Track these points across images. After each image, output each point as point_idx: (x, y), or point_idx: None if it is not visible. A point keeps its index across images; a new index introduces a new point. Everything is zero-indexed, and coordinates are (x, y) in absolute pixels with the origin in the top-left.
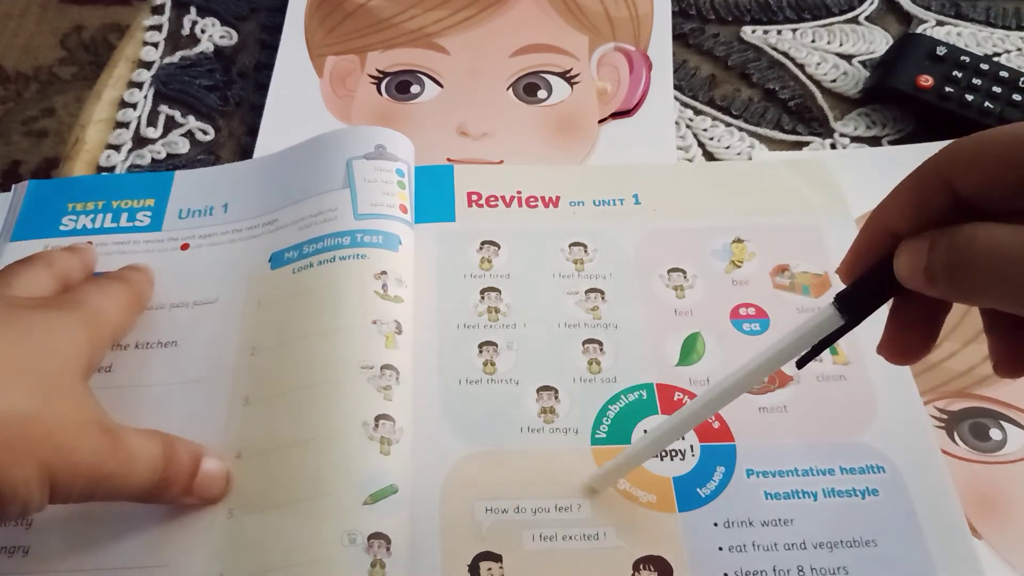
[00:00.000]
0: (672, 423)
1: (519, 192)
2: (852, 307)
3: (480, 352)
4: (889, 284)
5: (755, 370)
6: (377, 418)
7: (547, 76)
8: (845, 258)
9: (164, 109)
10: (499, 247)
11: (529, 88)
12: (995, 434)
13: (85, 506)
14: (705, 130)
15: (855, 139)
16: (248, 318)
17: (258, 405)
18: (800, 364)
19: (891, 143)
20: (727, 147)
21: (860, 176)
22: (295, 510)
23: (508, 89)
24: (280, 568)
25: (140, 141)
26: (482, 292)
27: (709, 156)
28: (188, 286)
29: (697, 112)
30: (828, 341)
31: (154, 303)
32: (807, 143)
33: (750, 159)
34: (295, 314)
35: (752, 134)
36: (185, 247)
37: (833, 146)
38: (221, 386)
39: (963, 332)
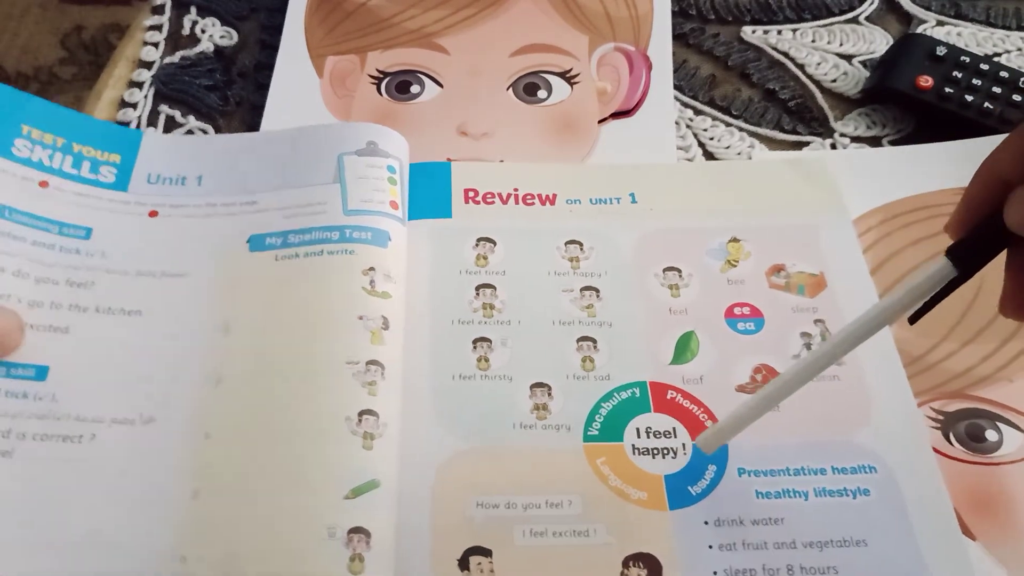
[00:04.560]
0: (789, 376)
1: (516, 189)
2: (965, 259)
3: (474, 348)
4: (1002, 234)
5: (869, 322)
6: (360, 413)
7: (547, 76)
8: (955, 211)
9: (164, 109)
10: (495, 244)
11: (529, 88)
12: (991, 435)
13: (37, 483)
14: (705, 130)
15: (855, 139)
16: (223, 296)
17: (231, 386)
18: (913, 319)
19: (891, 143)
20: (727, 147)
21: (860, 176)
22: (272, 500)
23: (508, 89)
24: (251, 555)
25: None
26: (477, 288)
27: (709, 156)
28: (155, 255)
29: (697, 112)
30: (941, 295)
31: (118, 269)
32: (807, 143)
33: (750, 159)
34: (277, 302)
35: (752, 134)
36: (154, 214)
37: (833, 146)
38: (189, 362)
39: (961, 333)
